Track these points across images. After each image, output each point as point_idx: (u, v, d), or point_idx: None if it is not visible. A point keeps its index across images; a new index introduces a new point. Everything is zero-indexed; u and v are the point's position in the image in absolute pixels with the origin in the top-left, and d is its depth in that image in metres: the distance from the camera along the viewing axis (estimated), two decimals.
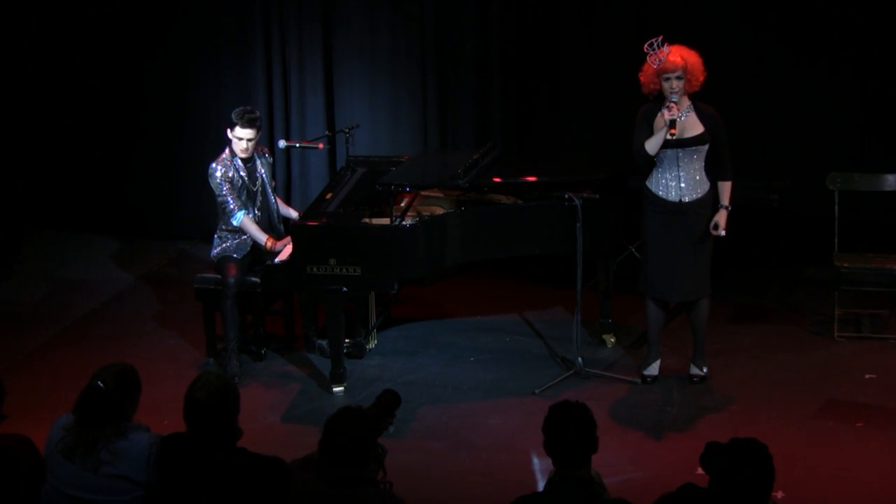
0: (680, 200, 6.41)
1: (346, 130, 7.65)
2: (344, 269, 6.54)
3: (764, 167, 8.36)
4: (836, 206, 7.35)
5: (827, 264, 7.38)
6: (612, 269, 7.28)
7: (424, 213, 6.81)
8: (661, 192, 6.44)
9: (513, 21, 8.82)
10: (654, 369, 6.76)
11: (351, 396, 6.67)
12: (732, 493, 3.81)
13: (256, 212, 7.05)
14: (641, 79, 6.40)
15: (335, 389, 6.75)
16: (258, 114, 7.01)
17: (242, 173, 6.96)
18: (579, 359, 6.80)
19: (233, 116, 6.91)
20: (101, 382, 4.31)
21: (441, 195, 7.03)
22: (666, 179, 6.43)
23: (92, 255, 9.19)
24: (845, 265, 7.22)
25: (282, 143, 7.78)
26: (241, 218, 6.93)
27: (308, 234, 6.64)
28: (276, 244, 6.93)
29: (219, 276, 6.96)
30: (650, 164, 6.44)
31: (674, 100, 6.29)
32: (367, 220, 6.71)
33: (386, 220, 6.63)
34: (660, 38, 6.32)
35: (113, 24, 9.26)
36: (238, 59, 9.20)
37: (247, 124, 6.88)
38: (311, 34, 9.06)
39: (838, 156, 8.30)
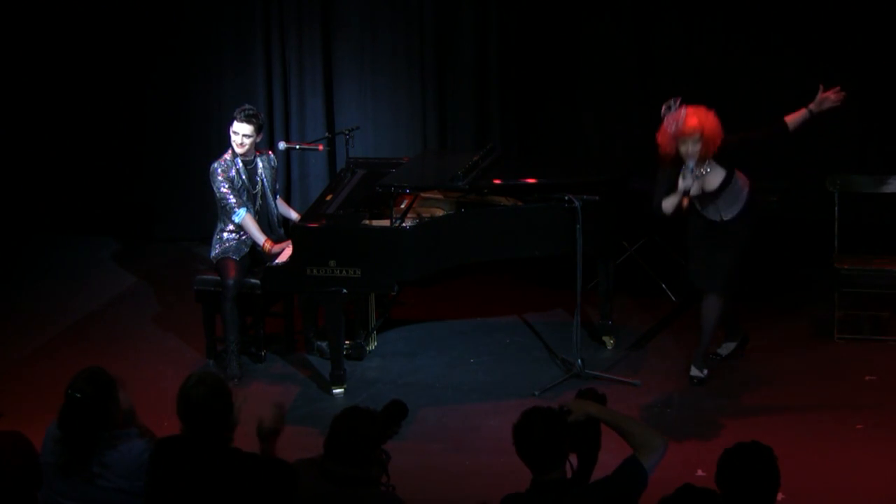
0: (720, 220, 6.49)
1: (346, 132, 7.65)
2: (344, 271, 6.54)
3: (763, 168, 8.33)
4: (836, 208, 7.35)
5: (827, 266, 7.38)
6: (612, 271, 7.28)
7: (424, 215, 6.81)
8: (701, 210, 6.52)
9: (512, 22, 8.83)
10: (726, 348, 6.98)
11: (351, 398, 6.66)
12: (738, 497, 3.81)
13: (255, 215, 7.06)
14: (658, 140, 6.33)
15: (335, 391, 6.75)
16: (259, 113, 7.01)
17: (243, 175, 6.97)
18: (579, 360, 6.80)
19: (234, 112, 6.95)
20: (78, 393, 4.27)
21: (441, 197, 7.03)
22: (703, 206, 6.50)
23: (92, 256, 9.19)
24: (845, 267, 7.22)
25: (282, 145, 7.80)
26: (242, 215, 6.93)
27: (308, 235, 6.64)
28: (273, 247, 6.94)
29: (219, 278, 6.96)
30: None
31: (689, 166, 6.23)
32: (367, 221, 6.71)
33: (386, 222, 6.64)
34: (677, 100, 6.26)
35: (114, 26, 9.26)
36: (238, 61, 9.20)
37: (243, 119, 6.90)
38: (310, 35, 9.06)
39: (838, 157, 8.30)
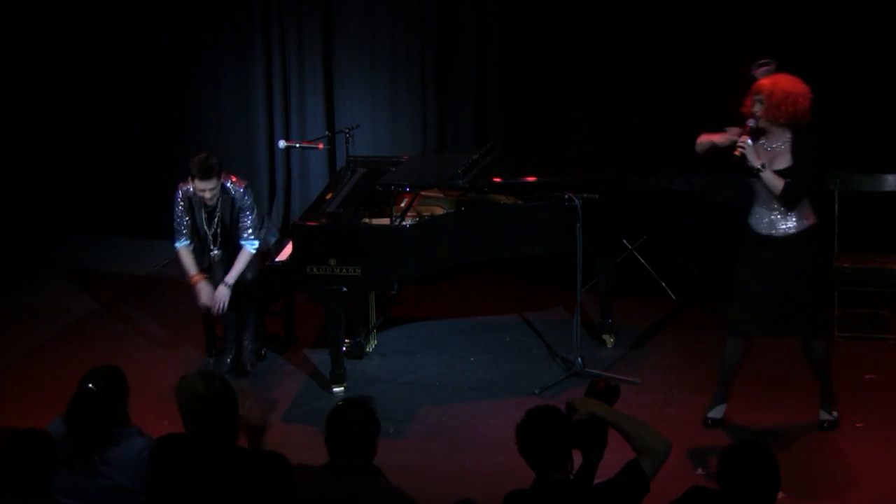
0: (770, 234, 5.96)
1: (346, 130, 7.65)
2: (344, 270, 6.54)
3: None
4: (836, 206, 7.35)
5: (827, 264, 7.37)
6: (612, 270, 7.28)
7: (424, 214, 6.81)
8: (754, 225, 6.02)
9: (512, 21, 8.83)
10: (718, 412, 6.27)
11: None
12: (739, 496, 3.82)
13: (216, 251, 6.89)
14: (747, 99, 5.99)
15: (335, 389, 6.76)
16: (214, 160, 6.64)
17: (201, 213, 6.80)
18: (579, 359, 6.80)
19: (191, 166, 6.64)
20: (93, 385, 4.28)
21: (441, 195, 7.03)
22: (758, 211, 6.01)
23: (92, 255, 9.20)
24: (845, 265, 7.22)
25: (282, 144, 7.81)
26: (178, 246, 6.84)
27: (308, 234, 6.64)
28: (200, 281, 6.80)
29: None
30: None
31: (750, 124, 5.91)
32: (367, 220, 6.71)
33: (386, 221, 6.64)
34: (771, 65, 6.03)
35: (115, 25, 9.26)
36: (238, 60, 9.20)
37: (204, 177, 6.60)
38: (311, 34, 9.07)
39: (838, 156, 8.30)
